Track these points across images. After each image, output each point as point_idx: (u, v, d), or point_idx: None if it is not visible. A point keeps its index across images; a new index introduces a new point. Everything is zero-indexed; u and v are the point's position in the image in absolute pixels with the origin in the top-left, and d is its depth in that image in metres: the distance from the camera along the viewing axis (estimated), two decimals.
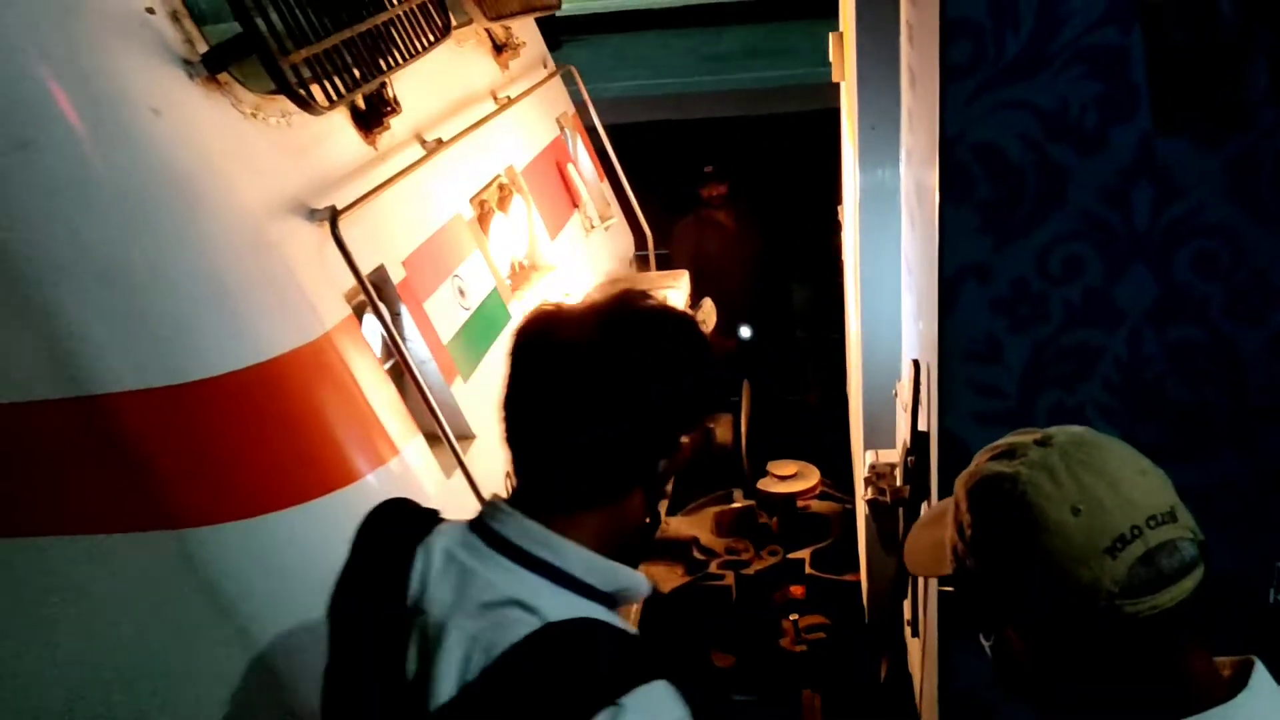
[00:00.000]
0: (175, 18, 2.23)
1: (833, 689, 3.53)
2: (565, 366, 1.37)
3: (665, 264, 4.66)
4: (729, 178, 5.97)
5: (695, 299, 4.24)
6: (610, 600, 1.40)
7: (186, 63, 2.21)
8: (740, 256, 5.91)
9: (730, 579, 3.87)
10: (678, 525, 4.24)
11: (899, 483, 2.43)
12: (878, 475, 2.62)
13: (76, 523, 2.19)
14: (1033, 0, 1.64)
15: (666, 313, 1.48)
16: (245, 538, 2.22)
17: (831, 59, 3.57)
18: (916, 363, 2.16)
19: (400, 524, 1.51)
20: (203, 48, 2.26)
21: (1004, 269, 1.79)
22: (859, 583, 3.62)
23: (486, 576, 1.36)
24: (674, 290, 4.08)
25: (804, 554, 3.97)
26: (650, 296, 1.46)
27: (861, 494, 2.81)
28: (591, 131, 4.59)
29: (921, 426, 2.13)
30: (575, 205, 4.15)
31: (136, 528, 2.19)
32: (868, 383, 3.03)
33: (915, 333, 2.32)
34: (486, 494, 2.58)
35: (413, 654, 1.36)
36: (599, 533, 1.41)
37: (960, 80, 1.69)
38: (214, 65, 2.22)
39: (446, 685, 1.30)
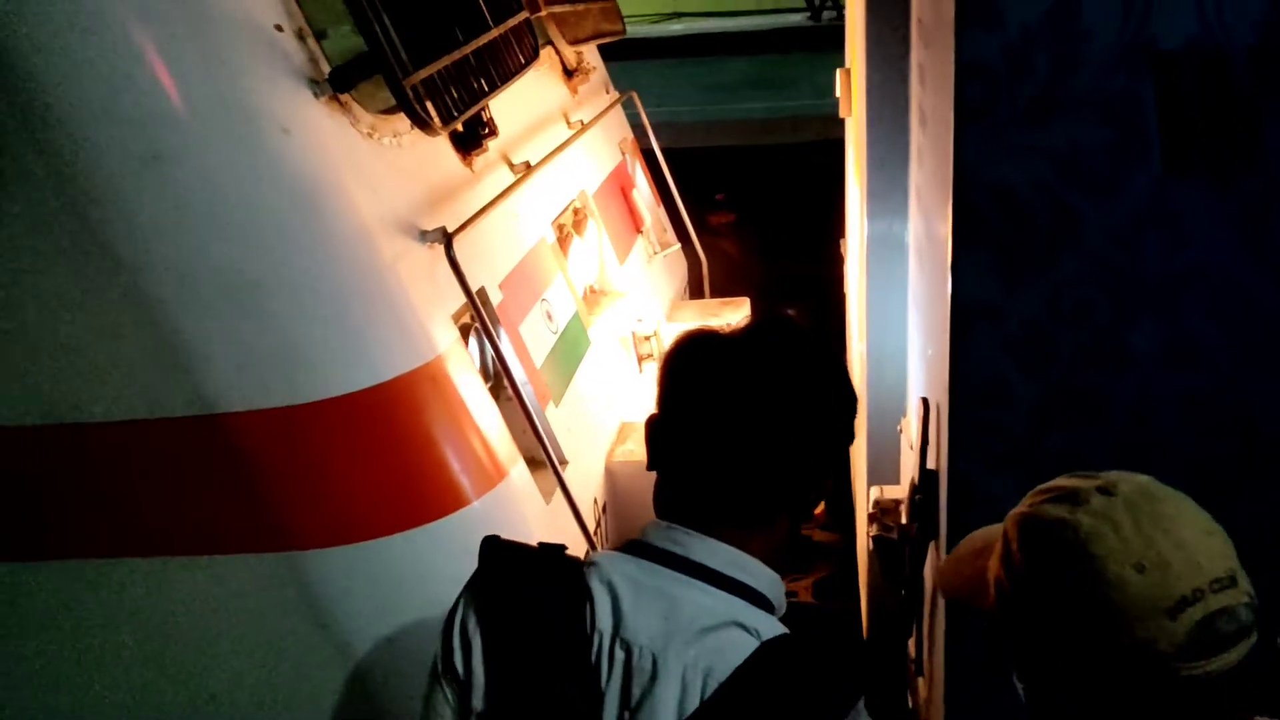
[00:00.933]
0: (300, 35, 2.22)
1: None
2: (740, 393, 1.37)
3: (719, 290, 4.65)
4: (737, 207, 6.00)
5: None
6: (774, 610, 1.41)
7: (312, 81, 2.20)
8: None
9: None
10: None
11: (904, 520, 2.43)
12: (882, 511, 2.59)
13: (194, 543, 2.16)
14: (1047, 46, 1.65)
15: (816, 340, 1.49)
16: (355, 562, 2.19)
17: (839, 94, 3.58)
18: (925, 401, 2.16)
19: (542, 561, 1.44)
20: (325, 66, 2.25)
21: (1015, 310, 1.79)
22: (859, 613, 3.60)
23: (691, 600, 1.33)
24: (738, 316, 4.07)
25: (806, 582, 3.97)
26: (794, 323, 1.50)
27: (865, 529, 2.79)
28: (648, 156, 4.59)
29: (930, 464, 2.13)
30: (639, 230, 4.15)
31: (251, 549, 2.16)
32: (872, 418, 3.02)
33: (922, 370, 2.33)
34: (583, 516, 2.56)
35: (615, 689, 1.32)
36: (764, 552, 1.41)
37: (974, 123, 1.70)
38: (340, 84, 2.21)
39: (666, 714, 1.27)
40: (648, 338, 3.52)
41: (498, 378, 2.55)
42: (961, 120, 1.72)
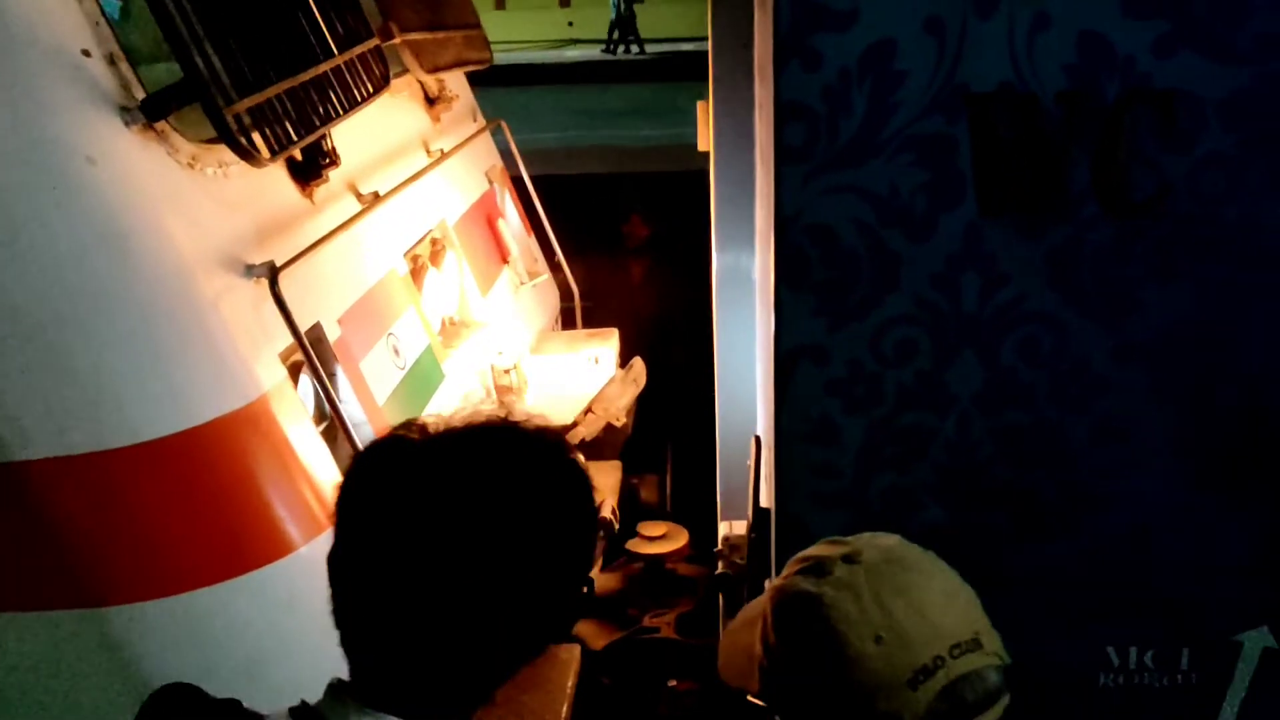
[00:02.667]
0: (111, 60, 2.11)
1: None
2: (433, 528, 1.04)
3: (591, 318, 4.60)
4: (651, 227, 6.00)
5: (625, 358, 4.18)
6: None
7: (123, 109, 2.08)
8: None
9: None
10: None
11: (741, 558, 2.41)
12: (730, 547, 2.56)
13: None
14: (864, 87, 1.65)
15: (547, 448, 1.14)
16: (170, 616, 2.06)
17: (699, 127, 3.58)
18: (758, 439, 2.15)
19: None
20: (140, 93, 2.14)
21: (839, 350, 1.79)
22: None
23: None
24: (605, 348, 4.02)
25: (669, 617, 3.91)
26: (520, 426, 1.14)
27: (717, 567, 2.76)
28: (519, 184, 4.53)
29: (764, 503, 2.12)
30: (505, 260, 4.08)
31: (55, 605, 2.02)
32: (724, 453, 3.00)
33: (761, 407, 2.31)
34: None
35: None
36: (463, 712, 1.13)
37: (795, 163, 1.70)
38: (153, 112, 2.10)
39: None
40: (507, 370, 3.45)
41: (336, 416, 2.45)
42: (782, 159, 1.70)
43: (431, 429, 1.11)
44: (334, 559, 1.11)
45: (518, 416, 1.15)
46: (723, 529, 2.64)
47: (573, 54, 17.45)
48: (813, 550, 1.22)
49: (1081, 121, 1.63)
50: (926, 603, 1.10)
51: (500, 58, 4.66)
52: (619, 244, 6.09)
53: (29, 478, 1.96)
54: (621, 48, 17.42)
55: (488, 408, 1.17)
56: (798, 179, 1.69)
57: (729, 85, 2.55)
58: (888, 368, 1.77)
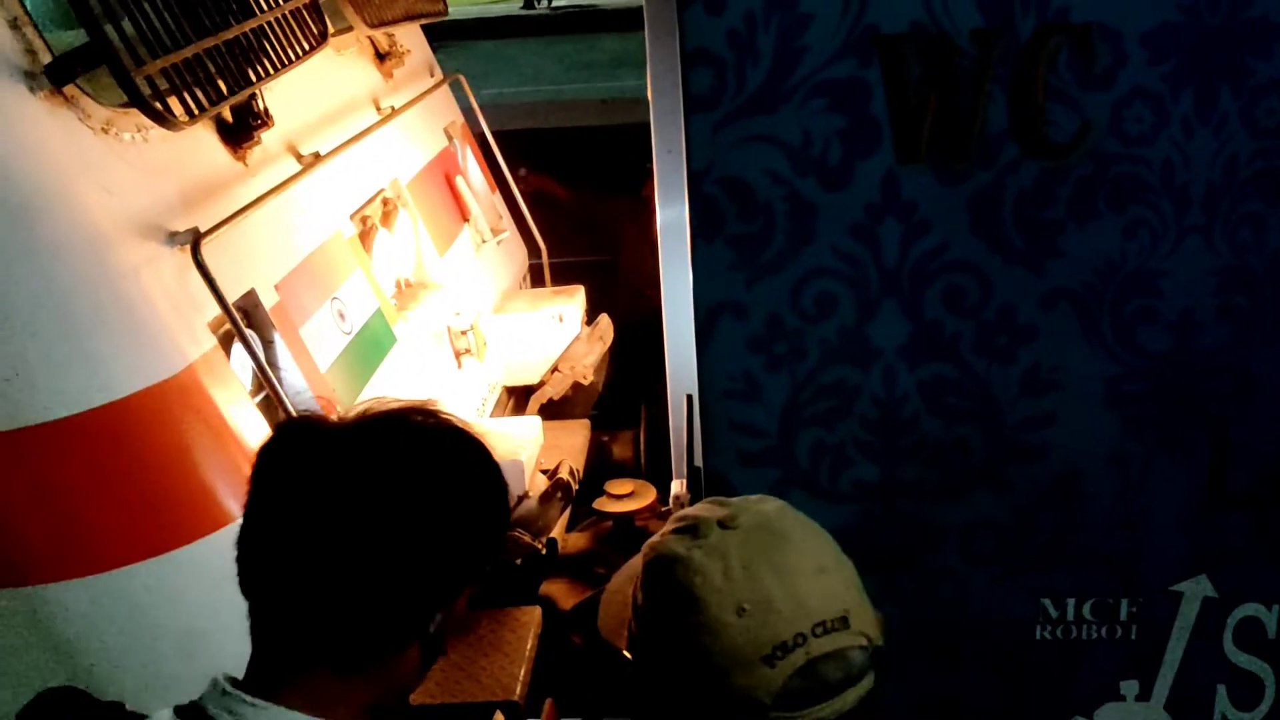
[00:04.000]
0: (15, 25, 2.03)
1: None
2: (326, 499, 1.11)
3: (560, 275, 4.53)
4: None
5: (593, 315, 4.13)
6: None
7: (28, 75, 2.02)
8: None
9: None
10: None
11: None
12: (680, 505, 2.53)
13: None
14: (770, 32, 1.59)
15: (456, 437, 1.21)
16: (97, 594, 2.03)
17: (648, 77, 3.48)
18: (690, 398, 2.11)
19: None
20: (46, 58, 2.07)
21: (758, 306, 1.75)
22: None
23: None
24: (570, 306, 3.97)
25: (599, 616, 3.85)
26: (434, 414, 1.21)
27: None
28: (481, 140, 4.45)
29: (697, 462, 2.08)
30: (465, 219, 4.01)
31: None
32: (674, 411, 2.95)
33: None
34: None
35: None
36: (362, 701, 1.15)
37: (704, 112, 1.65)
38: (58, 78, 2.03)
39: None
40: (464, 332, 3.39)
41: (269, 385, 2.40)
42: (691, 108, 1.64)
43: (338, 417, 1.20)
44: (241, 537, 1.16)
45: (429, 406, 1.21)
46: (674, 487, 2.61)
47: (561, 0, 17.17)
48: (693, 510, 1.18)
49: (998, 60, 1.57)
50: (796, 577, 1.06)
51: (481, 10, 4.55)
52: (623, 196, 5.95)
53: None
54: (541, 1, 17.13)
55: (394, 401, 1.22)
56: (706, 129, 1.63)
57: (662, 31, 2.47)
58: (808, 322, 1.72)
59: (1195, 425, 1.73)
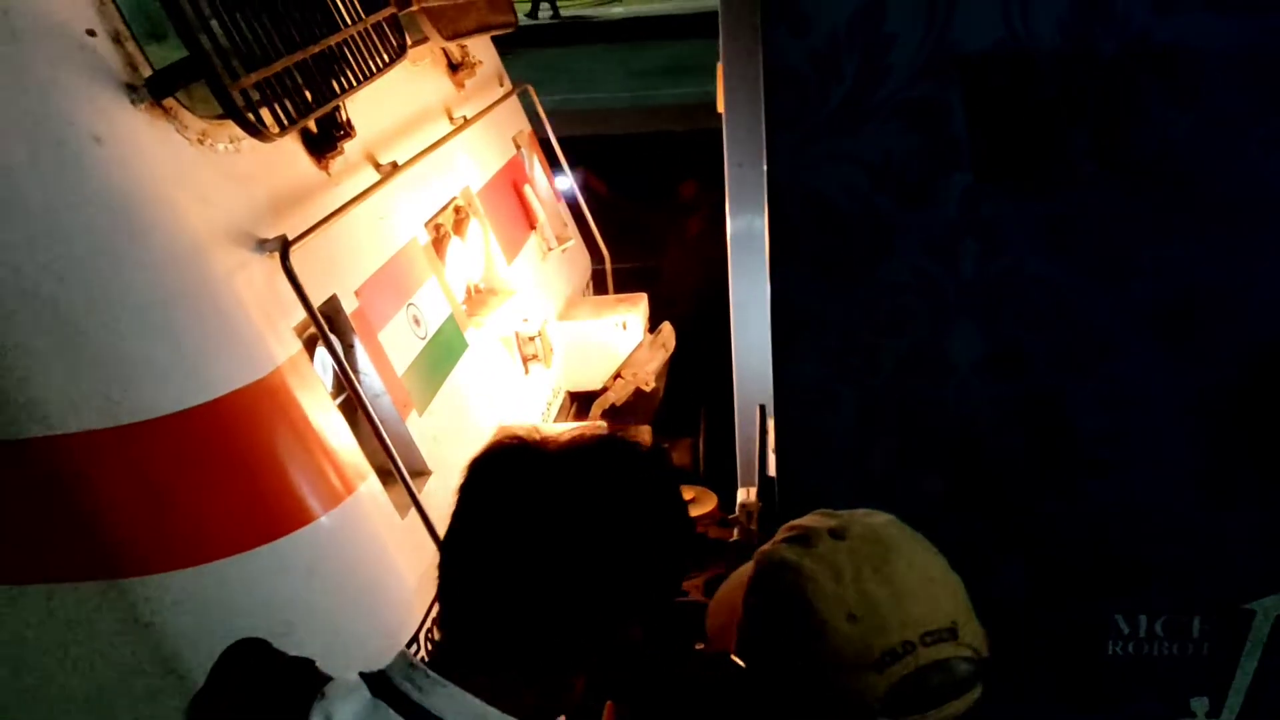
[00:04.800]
0: (118, 39, 2.13)
1: None
2: (536, 518, 1.17)
3: (624, 282, 4.59)
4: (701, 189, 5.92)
5: (655, 322, 4.18)
6: None
7: (130, 87, 2.11)
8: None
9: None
10: None
11: (755, 525, 2.42)
12: (747, 514, 2.57)
13: (20, 572, 2.08)
14: (854, 52, 1.62)
15: (650, 463, 1.27)
16: (190, 587, 2.12)
17: (718, 88, 3.53)
18: (763, 408, 2.15)
19: (275, 684, 1.25)
20: (146, 71, 2.16)
21: (834, 319, 1.77)
22: None
23: None
24: (633, 313, 4.02)
25: (698, 581, 3.90)
26: (628, 440, 1.27)
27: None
28: (547, 147, 4.52)
29: (770, 471, 2.11)
30: (533, 226, 4.08)
31: (75, 578, 2.08)
32: (741, 420, 3.00)
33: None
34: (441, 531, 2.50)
35: None
36: (537, 706, 1.21)
37: (785, 129, 1.68)
38: (159, 90, 2.12)
39: None
40: (532, 338, 3.46)
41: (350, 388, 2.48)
42: (773, 126, 1.68)
43: (542, 439, 1.25)
44: (449, 543, 1.25)
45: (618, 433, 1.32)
46: (740, 495, 2.65)
47: (618, 10, 17.26)
48: (803, 520, 1.22)
49: (1079, 81, 1.59)
50: (906, 587, 1.10)
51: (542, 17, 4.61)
52: (672, 205, 6.00)
53: (51, 453, 2.01)
54: (547, 12, 17.16)
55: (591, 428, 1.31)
56: (787, 146, 1.67)
57: (740, 45, 2.52)
58: (884, 336, 1.75)
59: (1272, 443, 1.74)
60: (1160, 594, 1.85)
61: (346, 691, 1.17)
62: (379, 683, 1.19)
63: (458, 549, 1.23)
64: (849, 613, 1.08)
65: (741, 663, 1.21)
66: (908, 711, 1.06)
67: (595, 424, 1.25)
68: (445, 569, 1.23)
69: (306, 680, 1.22)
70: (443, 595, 1.24)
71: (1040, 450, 1.80)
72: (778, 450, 1.87)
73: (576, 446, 1.22)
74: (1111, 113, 1.60)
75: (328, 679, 1.21)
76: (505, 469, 1.22)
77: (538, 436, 1.26)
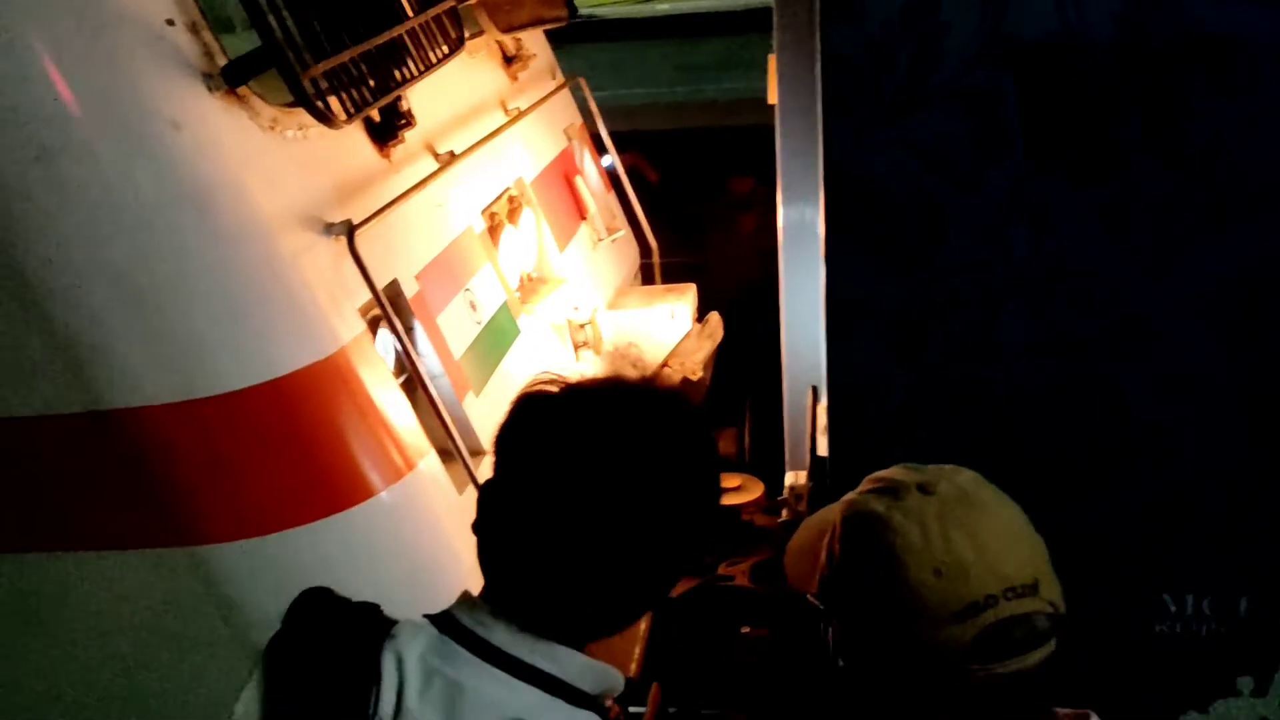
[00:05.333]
0: (194, 29, 2.21)
1: (769, 708, 3.48)
2: (587, 461, 1.18)
3: (671, 276, 4.64)
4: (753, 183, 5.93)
5: (703, 313, 4.23)
6: (595, 701, 1.27)
7: (206, 75, 2.19)
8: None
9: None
10: None
11: (804, 507, 2.46)
12: (795, 496, 2.61)
13: (90, 539, 2.17)
14: (909, 40, 1.66)
15: (683, 407, 1.29)
16: (258, 556, 2.20)
17: (769, 80, 3.57)
18: (815, 389, 2.18)
19: (346, 626, 1.32)
20: (222, 60, 2.25)
21: (887, 302, 1.81)
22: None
23: (479, 692, 1.19)
24: (682, 303, 4.07)
25: (744, 566, 3.94)
26: (661, 385, 1.33)
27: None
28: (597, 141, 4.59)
29: (821, 452, 2.15)
30: (583, 217, 4.14)
31: (150, 544, 2.17)
32: (790, 404, 3.05)
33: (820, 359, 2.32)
34: None
35: None
36: (584, 634, 1.27)
37: (841, 117, 1.71)
38: (234, 78, 2.21)
39: None
40: (583, 325, 3.52)
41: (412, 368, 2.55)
42: (829, 112, 1.73)
43: (576, 383, 1.29)
44: (489, 489, 1.28)
45: (645, 374, 1.30)
46: (789, 478, 2.69)
47: (663, 7, 17.28)
48: (890, 472, 1.27)
49: (1132, 70, 1.62)
50: (990, 542, 1.15)
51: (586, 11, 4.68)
52: (720, 199, 6.02)
53: (126, 425, 2.10)
54: None
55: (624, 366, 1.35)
56: (844, 132, 1.71)
57: (793, 36, 2.56)
58: (935, 320, 1.79)
59: None
60: (1208, 575, 1.88)
61: (415, 630, 1.24)
62: (445, 621, 1.25)
63: (500, 493, 1.24)
64: (935, 567, 1.14)
65: (821, 605, 1.26)
66: (987, 660, 1.11)
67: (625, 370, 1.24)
68: (487, 513, 1.25)
69: (375, 623, 1.28)
70: (480, 542, 1.26)
71: (1089, 434, 1.83)
72: (830, 430, 1.92)
73: (613, 388, 1.26)
74: (1163, 102, 1.63)
75: (394, 621, 1.27)
76: (532, 414, 1.25)
77: (575, 380, 1.29)
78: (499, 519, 1.24)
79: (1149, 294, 1.75)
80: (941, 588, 1.13)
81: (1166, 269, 1.72)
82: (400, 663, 1.20)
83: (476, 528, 1.26)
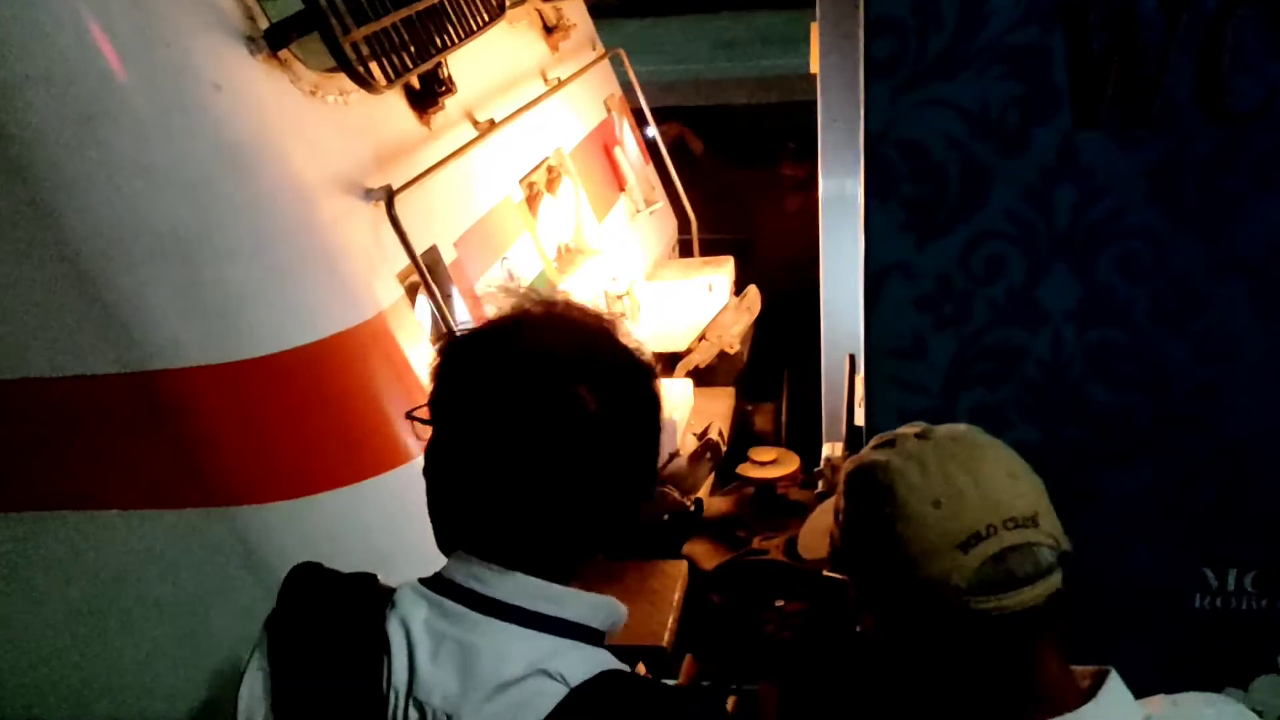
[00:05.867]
0: None
1: (802, 681, 3.47)
2: (531, 402, 1.17)
3: (708, 251, 4.62)
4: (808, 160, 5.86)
5: (741, 286, 4.21)
6: (603, 638, 1.25)
7: (248, 39, 2.20)
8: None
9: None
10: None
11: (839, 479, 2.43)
12: (832, 468, 2.60)
13: (130, 498, 2.20)
14: None
15: (600, 333, 1.27)
16: (295, 517, 2.22)
17: (812, 50, 3.53)
18: (852, 358, 2.15)
19: (345, 598, 1.28)
20: (264, 23, 2.26)
21: (927, 267, 1.78)
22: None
23: (492, 648, 1.17)
24: (720, 276, 4.06)
25: (778, 540, 3.92)
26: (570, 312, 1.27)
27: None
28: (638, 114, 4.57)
29: (858, 421, 2.13)
30: (622, 188, 4.13)
31: (189, 504, 2.19)
32: (828, 375, 3.03)
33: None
34: None
35: None
36: (576, 569, 1.24)
37: (884, 77, 1.68)
38: (276, 42, 2.22)
39: None
40: (620, 297, 3.52)
41: (450, 335, 2.56)
42: (871, 74, 1.70)
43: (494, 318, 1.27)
44: (430, 449, 1.25)
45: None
46: (825, 450, 2.68)
47: None
48: (890, 431, 1.26)
49: (1183, 28, 1.58)
50: (989, 477, 1.14)
51: None
52: (763, 174, 5.97)
53: (169, 385, 2.13)
54: None
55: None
56: (886, 94, 1.69)
57: (837, 3, 2.53)
58: (978, 284, 1.77)
59: None
60: (1251, 549, 1.84)
61: (415, 595, 1.22)
62: (442, 584, 1.22)
63: (436, 446, 1.24)
64: (935, 499, 1.13)
65: (836, 576, 1.26)
66: (993, 592, 1.10)
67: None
68: (440, 465, 1.24)
69: (374, 593, 1.27)
70: (448, 490, 1.25)
71: (1132, 401, 1.80)
72: (866, 399, 1.90)
73: (517, 323, 1.23)
74: (1215, 60, 1.58)
75: (392, 590, 1.26)
76: (455, 357, 1.25)
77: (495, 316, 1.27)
78: (445, 464, 1.24)
79: (1195, 256, 1.71)
80: (942, 518, 1.12)
81: (1214, 231, 1.69)
82: (407, 630, 1.19)
83: (428, 479, 1.26)
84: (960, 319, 1.80)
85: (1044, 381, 1.81)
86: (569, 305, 1.27)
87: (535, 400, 1.17)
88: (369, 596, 1.25)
